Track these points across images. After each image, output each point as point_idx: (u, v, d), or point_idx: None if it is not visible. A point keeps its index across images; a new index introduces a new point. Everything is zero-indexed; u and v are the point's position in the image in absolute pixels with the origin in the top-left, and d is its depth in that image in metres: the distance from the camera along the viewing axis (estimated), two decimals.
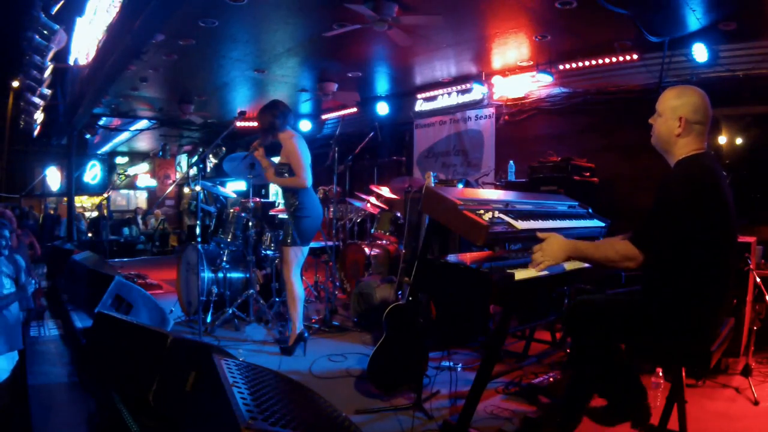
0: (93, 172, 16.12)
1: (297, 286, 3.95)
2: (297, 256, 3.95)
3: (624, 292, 2.36)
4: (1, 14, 10.52)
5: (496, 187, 6.05)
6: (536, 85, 6.72)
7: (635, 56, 5.59)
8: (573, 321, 2.20)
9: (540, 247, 2.17)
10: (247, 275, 4.89)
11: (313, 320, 4.85)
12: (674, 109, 2.09)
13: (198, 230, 4.48)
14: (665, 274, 2.03)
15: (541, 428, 2.62)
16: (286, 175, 3.93)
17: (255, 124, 9.92)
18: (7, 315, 3.37)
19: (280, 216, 5.77)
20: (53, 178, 15.98)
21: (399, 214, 5.31)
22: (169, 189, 16.56)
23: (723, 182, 2.05)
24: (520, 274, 2.24)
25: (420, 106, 8.12)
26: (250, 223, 4.75)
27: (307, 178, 3.89)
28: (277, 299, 4.94)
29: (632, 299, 2.19)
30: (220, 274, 4.85)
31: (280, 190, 11.82)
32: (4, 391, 3.19)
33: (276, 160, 4.15)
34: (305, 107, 9.49)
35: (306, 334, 4.04)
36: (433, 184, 3.93)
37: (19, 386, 3.26)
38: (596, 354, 2.14)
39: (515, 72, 6.79)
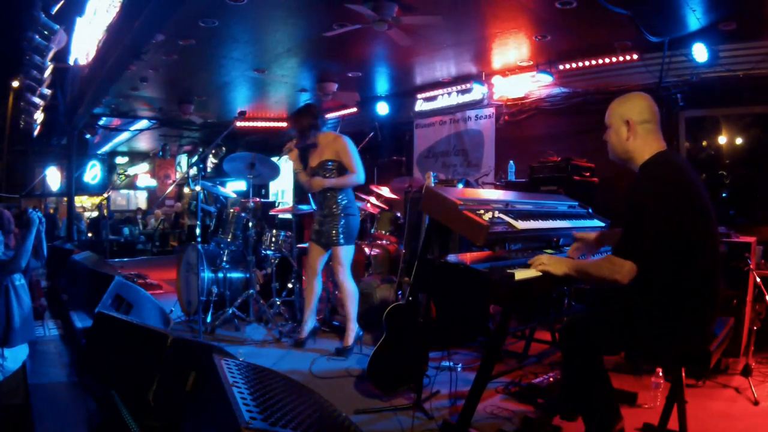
0: (93, 172, 16.13)
1: (354, 285, 3.97)
2: (350, 254, 3.97)
3: (618, 298, 2.36)
4: (1, 14, 10.53)
5: (496, 187, 6.04)
6: (536, 85, 6.71)
7: (635, 56, 5.59)
8: (567, 342, 2.17)
9: (547, 255, 2.29)
10: (247, 275, 4.89)
11: None
12: (621, 116, 2.15)
13: (198, 230, 4.48)
14: (653, 277, 2.02)
15: (541, 428, 2.63)
16: (333, 173, 3.95)
17: (255, 124, 9.98)
18: (22, 305, 3.37)
19: (282, 216, 5.76)
20: (53, 178, 15.99)
21: (399, 214, 5.31)
22: (169, 189, 16.56)
23: (691, 176, 2.05)
24: (520, 274, 2.24)
25: (420, 106, 8.12)
26: (250, 223, 4.75)
27: (364, 176, 3.96)
28: (276, 299, 4.94)
29: (625, 306, 2.18)
30: (220, 274, 4.85)
31: (286, 191, 11.83)
32: (18, 381, 3.19)
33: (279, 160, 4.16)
34: None
35: (360, 332, 4.08)
36: (433, 184, 3.93)
37: (23, 384, 3.27)
38: (585, 377, 2.11)
39: (515, 72, 6.79)
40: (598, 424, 2.07)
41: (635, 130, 2.11)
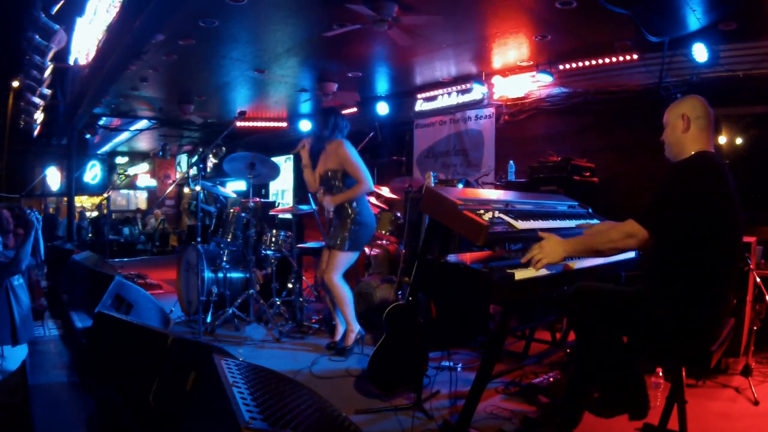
0: (93, 172, 16.12)
1: (344, 287, 3.92)
2: (348, 261, 3.94)
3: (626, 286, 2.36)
4: (1, 14, 10.52)
5: (496, 187, 6.04)
6: (536, 85, 6.71)
7: (635, 56, 5.59)
8: (576, 305, 2.18)
9: (539, 245, 2.22)
10: (247, 275, 4.88)
11: (313, 320, 4.85)
12: (677, 113, 2.26)
13: (198, 230, 4.48)
14: (667, 272, 2.03)
15: (541, 428, 2.62)
16: (340, 183, 3.94)
17: (255, 124, 9.98)
18: (21, 305, 3.39)
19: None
20: (53, 178, 15.98)
21: (399, 214, 5.31)
22: (169, 189, 16.56)
23: (730, 181, 2.09)
24: (520, 274, 2.24)
25: (420, 106, 8.11)
26: (250, 223, 4.75)
27: (371, 181, 3.91)
28: (276, 299, 4.94)
29: (635, 292, 2.18)
30: (220, 274, 4.85)
31: (286, 191, 11.83)
32: (18, 381, 3.20)
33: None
34: (305, 107, 9.49)
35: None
36: (433, 184, 3.94)
37: (22, 384, 3.27)
38: (599, 338, 2.13)
39: (515, 72, 6.79)
40: (619, 389, 2.08)
41: (688, 124, 2.21)
